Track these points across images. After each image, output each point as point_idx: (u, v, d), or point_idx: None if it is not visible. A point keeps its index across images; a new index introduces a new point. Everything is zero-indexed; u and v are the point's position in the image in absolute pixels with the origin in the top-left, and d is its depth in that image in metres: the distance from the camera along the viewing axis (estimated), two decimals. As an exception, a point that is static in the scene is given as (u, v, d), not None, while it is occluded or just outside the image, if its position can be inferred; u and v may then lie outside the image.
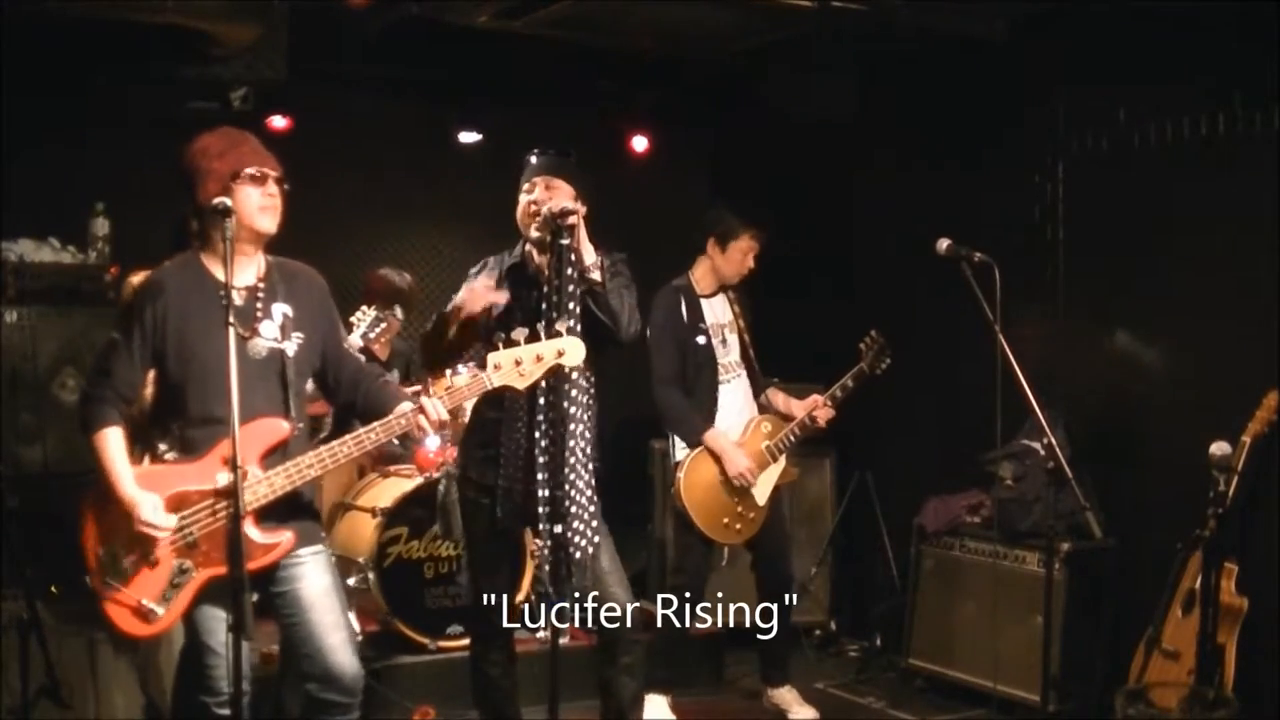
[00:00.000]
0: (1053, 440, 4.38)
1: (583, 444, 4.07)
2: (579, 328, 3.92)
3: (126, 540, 3.46)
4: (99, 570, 3.48)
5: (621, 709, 4.32)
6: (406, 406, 3.62)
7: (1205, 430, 4.48)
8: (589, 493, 4.08)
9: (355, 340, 5.46)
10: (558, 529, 3.93)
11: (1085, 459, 5.18)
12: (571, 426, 3.99)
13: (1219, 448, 4.36)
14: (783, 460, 5.35)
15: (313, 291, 3.74)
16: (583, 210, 4.02)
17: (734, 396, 5.33)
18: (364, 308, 5.58)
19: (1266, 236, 4.92)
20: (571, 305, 3.94)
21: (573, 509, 3.98)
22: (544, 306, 3.95)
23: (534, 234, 4.10)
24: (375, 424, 3.58)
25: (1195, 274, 5.23)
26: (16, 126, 5.41)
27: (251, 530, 3.48)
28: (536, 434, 3.98)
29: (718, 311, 5.36)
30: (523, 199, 4.21)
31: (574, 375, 3.98)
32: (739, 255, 5.30)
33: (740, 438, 5.28)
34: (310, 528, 3.68)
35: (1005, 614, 5.33)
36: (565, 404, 3.94)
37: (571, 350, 3.71)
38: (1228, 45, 5.05)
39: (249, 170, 3.50)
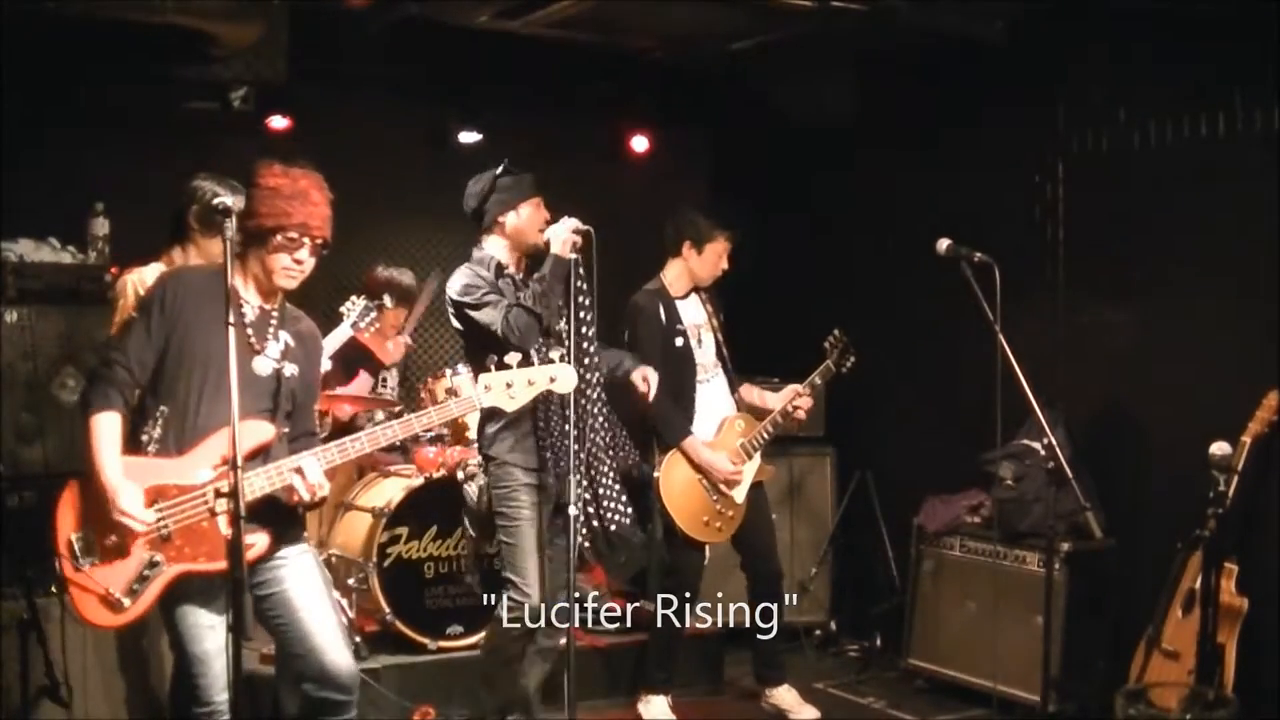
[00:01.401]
0: (1053, 440, 4.38)
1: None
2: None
3: (101, 527, 3.44)
4: (68, 555, 3.46)
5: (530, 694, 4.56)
6: (291, 461, 3.56)
7: (1205, 430, 4.48)
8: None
9: (345, 329, 5.45)
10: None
11: (1085, 459, 5.18)
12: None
13: (1219, 448, 4.35)
14: (758, 457, 5.36)
15: (310, 340, 3.79)
16: None
17: (713, 396, 5.36)
18: (354, 297, 5.57)
19: (1266, 236, 4.93)
20: (589, 314, 4.33)
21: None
22: (573, 322, 4.32)
23: (571, 255, 4.34)
24: (269, 466, 3.54)
25: (1195, 274, 5.23)
26: (16, 126, 5.41)
27: (227, 530, 3.47)
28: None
29: (692, 313, 5.38)
30: (535, 214, 4.54)
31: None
32: (714, 257, 5.33)
33: (715, 437, 5.30)
34: (290, 528, 3.67)
35: (1005, 614, 5.33)
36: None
37: (563, 377, 3.78)
38: (1228, 45, 5.05)
39: (289, 234, 3.53)
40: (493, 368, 3.74)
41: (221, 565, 3.41)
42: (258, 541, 3.52)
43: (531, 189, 4.57)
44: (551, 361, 3.80)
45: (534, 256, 4.53)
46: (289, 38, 5.59)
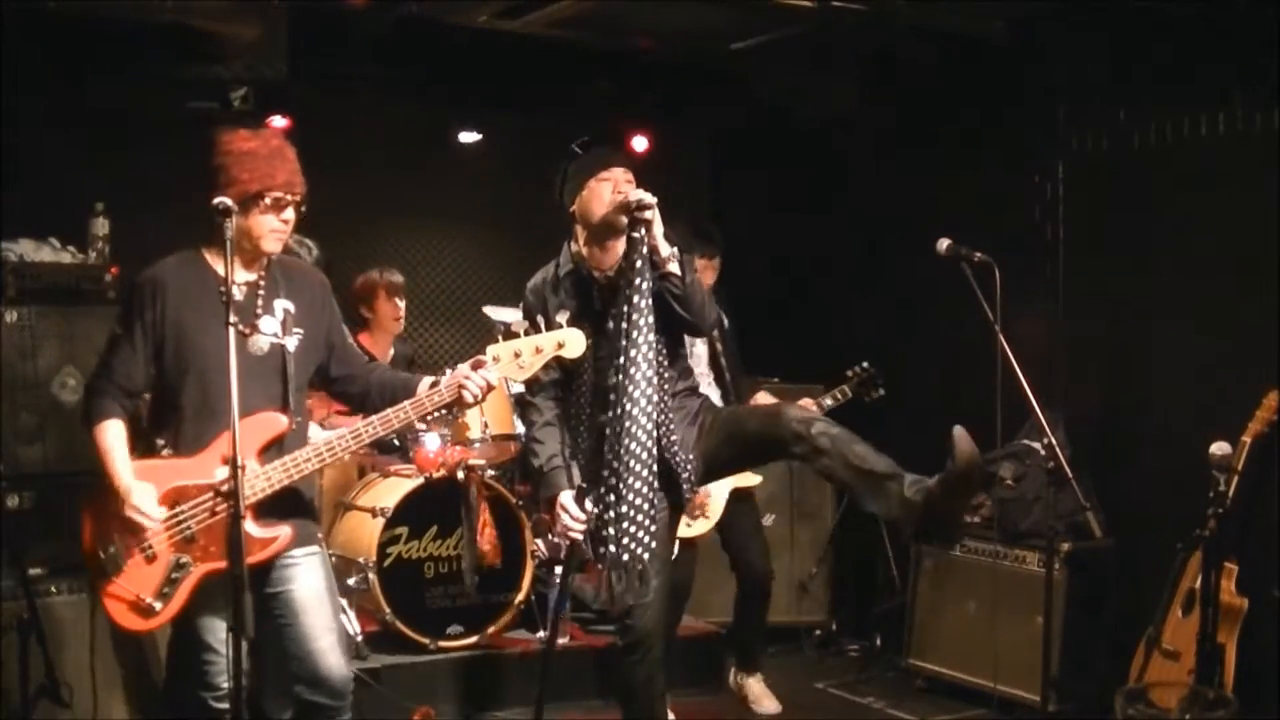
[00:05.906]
0: (1053, 440, 4.38)
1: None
2: (654, 321, 3.82)
3: (124, 535, 3.45)
4: (97, 565, 3.48)
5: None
6: (427, 383, 3.57)
7: (1205, 430, 4.48)
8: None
9: None
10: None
11: (1085, 459, 5.18)
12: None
13: (1219, 448, 4.35)
14: None
15: (313, 288, 3.74)
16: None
17: None
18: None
19: (1266, 237, 4.92)
20: (644, 301, 3.81)
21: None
22: (620, 303, 3.83)
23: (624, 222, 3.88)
24: (405, 403, 3.54)
25: (1195, 274, 5.23)
26: (16, 126, 5.41)
27: (249, 525, 3.47)
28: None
29: None
30: (604, 188, 3.98)
31: (648, 373, 3.83)
32: None
33: None
34: (307, 527, 3.67)
35: (1005, 614, 5.33)
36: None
37: (572, 342, 3.67)
38: (1228, 45, 5.05)
39: (273, 195, 3.50)
40: (500, 338, 3.59)
41: (248, 562, 3.41)
42: (280, 534, 3.54)
43: (608, 161, 4.03)
44: (558, 326, 3.65)
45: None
46: (289, 38, 5.59)
